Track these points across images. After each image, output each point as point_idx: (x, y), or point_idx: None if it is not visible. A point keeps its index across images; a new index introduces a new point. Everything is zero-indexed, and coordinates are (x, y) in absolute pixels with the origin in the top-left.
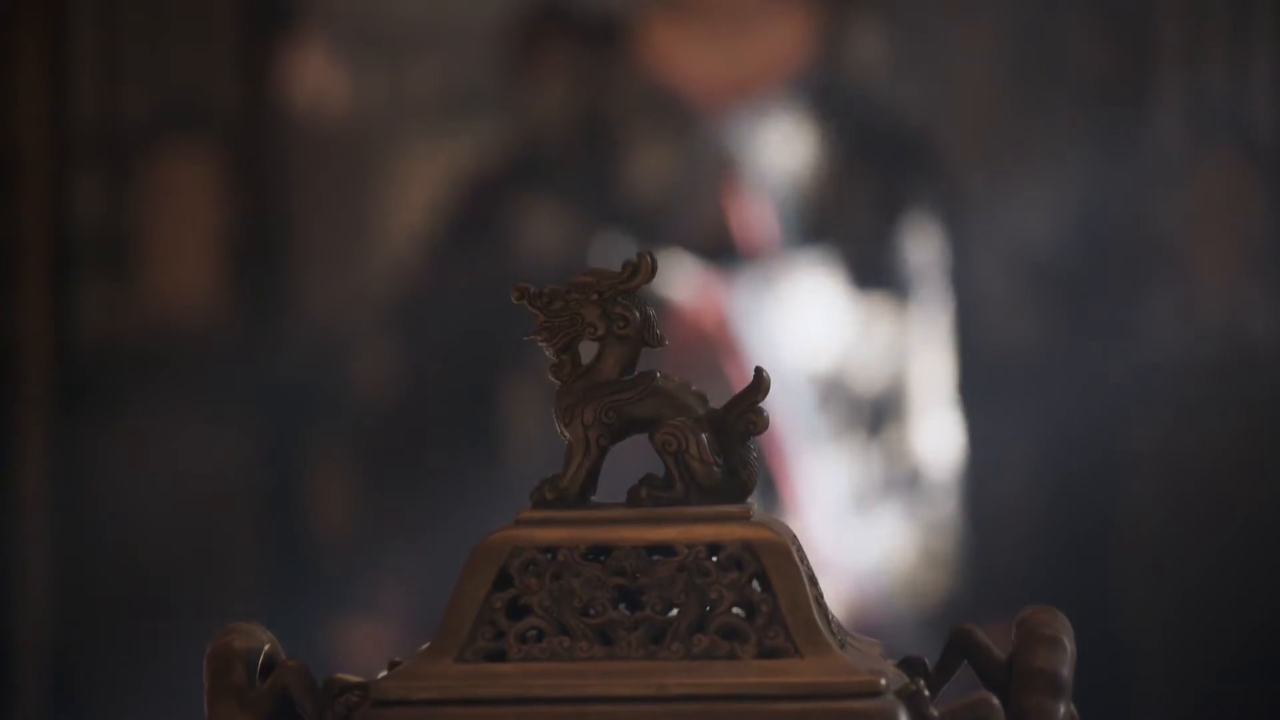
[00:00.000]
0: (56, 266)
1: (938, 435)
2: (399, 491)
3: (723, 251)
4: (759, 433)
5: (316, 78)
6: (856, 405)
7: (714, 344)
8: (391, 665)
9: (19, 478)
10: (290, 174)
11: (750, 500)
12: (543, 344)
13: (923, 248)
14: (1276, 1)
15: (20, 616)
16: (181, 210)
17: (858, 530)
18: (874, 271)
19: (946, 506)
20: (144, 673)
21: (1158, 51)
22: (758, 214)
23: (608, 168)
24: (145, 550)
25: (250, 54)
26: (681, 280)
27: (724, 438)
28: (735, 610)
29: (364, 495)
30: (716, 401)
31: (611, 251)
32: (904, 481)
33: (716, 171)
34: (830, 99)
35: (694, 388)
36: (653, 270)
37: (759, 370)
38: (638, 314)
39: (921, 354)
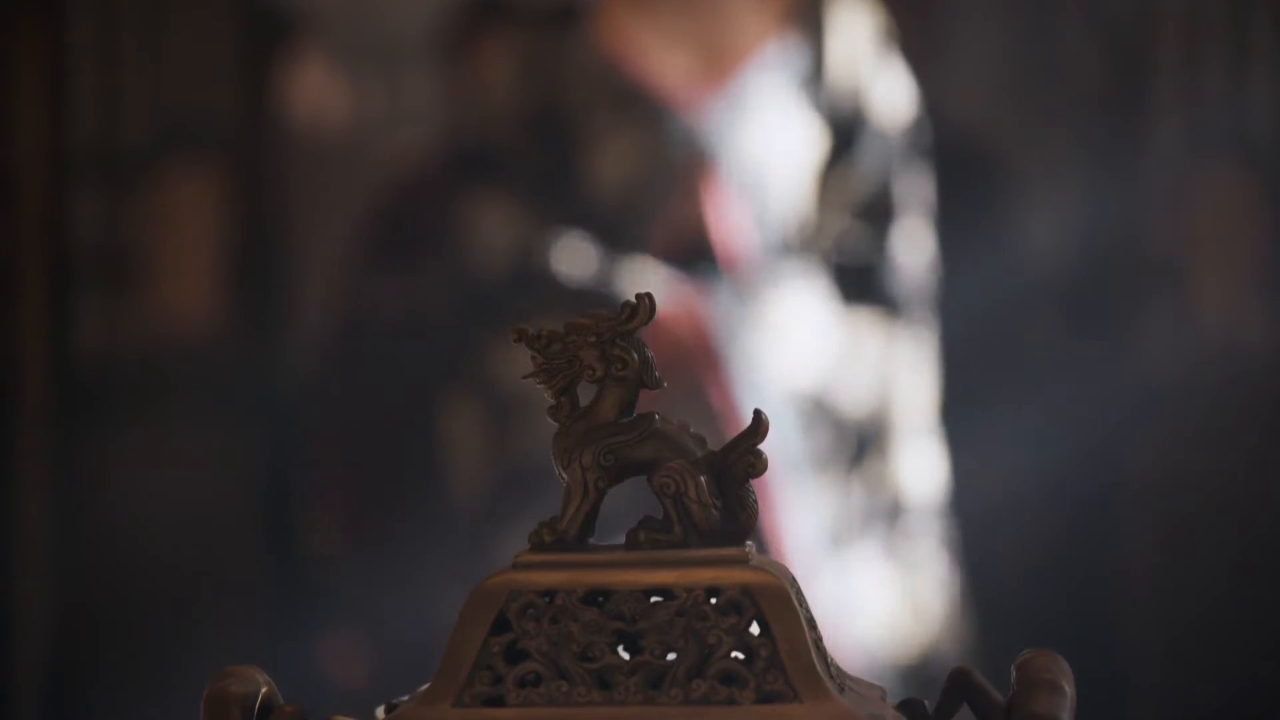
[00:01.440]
0: (56, 283)
1: (925, 463)
2: (366, 511)
3: (698, 259)
4: (758, 475)
5: (315, 93)
6: (841, 430)
7: (693, 360)
8: (389, 707)
9: (18, 494)
10: (289, 189)
11: (749, 543)
12: (541, 386)
13: (914, 259)
14: (1275, 16)
15: (18, 634)
16: (180, 227)
17: (839, 566)
18: (861, 283)
19: (934, 540)
20: (143, 693)
21: (1157, 65)
22: (735, 217)
23: (566, 164)
24: (145, 567)
25: (248, 70)
26: (653, 289)
27: (723, 480)
28: (734, 655)
29: (347, 514)
30: (699, 421)
31: (573, 256)
32: (887, 514)
33: (690, 169)
34: (815, 88)
35: (692, 429)
36: (651, 312)
37: (758, 413)
38: (636, 356)
39: (910, 375)
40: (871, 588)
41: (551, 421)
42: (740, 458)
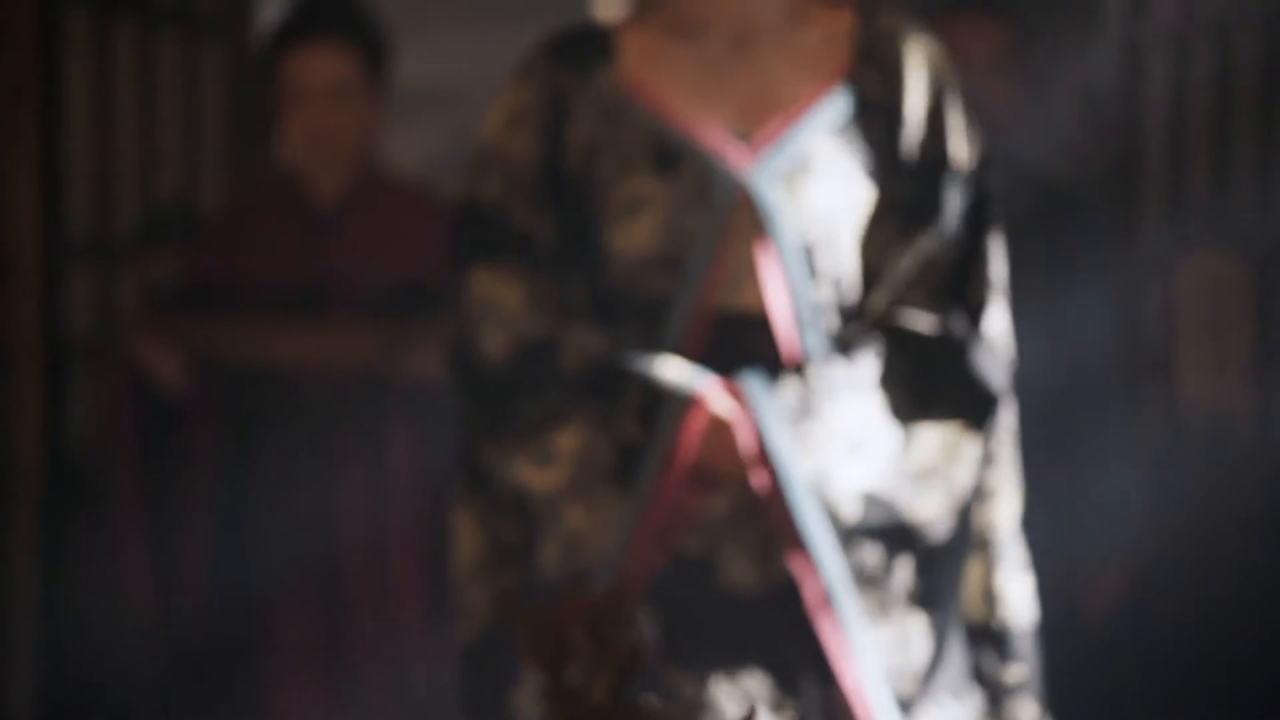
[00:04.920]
0: (49, 366)
1: None
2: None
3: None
4: None
5: None
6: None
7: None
8: None
9: (7, 574)
10: None
11: None
12: (531, 665)
13: None
14: (1255, 110)
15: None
16: None
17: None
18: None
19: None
20: None
21: (1145, 161)
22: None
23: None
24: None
25: (239, 153)
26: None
27: None
28: None
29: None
30: None
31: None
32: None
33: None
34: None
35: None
36: (639, 595)
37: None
38: (628, 639)
39: None
40: None
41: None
42: None
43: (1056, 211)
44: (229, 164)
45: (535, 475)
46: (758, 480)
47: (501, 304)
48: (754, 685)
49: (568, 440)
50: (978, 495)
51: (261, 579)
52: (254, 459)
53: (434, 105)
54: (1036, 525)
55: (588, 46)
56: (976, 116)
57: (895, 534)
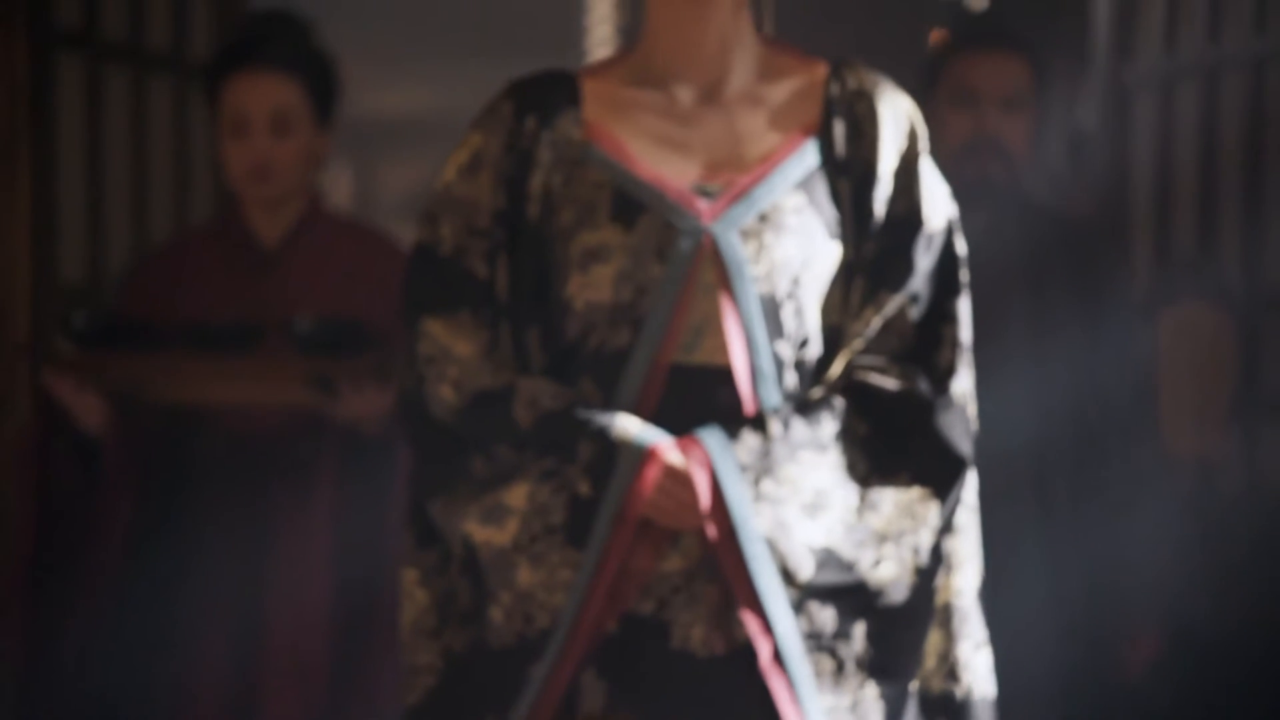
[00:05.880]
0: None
1: None
2: None
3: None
4: None
5: None
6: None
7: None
8: None
9: None
10: None
11: None
12: None
13: None
14: (1241, 165)
15: None
16: None
17: None
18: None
19: None
20: None
21: (1132, 209)
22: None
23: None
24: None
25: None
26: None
27: None
28: None
29: None
30: None
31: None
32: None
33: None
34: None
35: None
36: None
37: None
38: None
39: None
40: None
41: None
42: None
43: (1080, 247)
44: (219, 209)
45: (485, 532)
46: (713, 536)
47: (454, 355)
48: None
49: (518, 496)
50: (939, 563)
51: (175, 645)
52: (174, 513)
53: (419, 137)
54: (1058, 578)
55: (551, 93)
56: (994, 153)
57: (852, 596)
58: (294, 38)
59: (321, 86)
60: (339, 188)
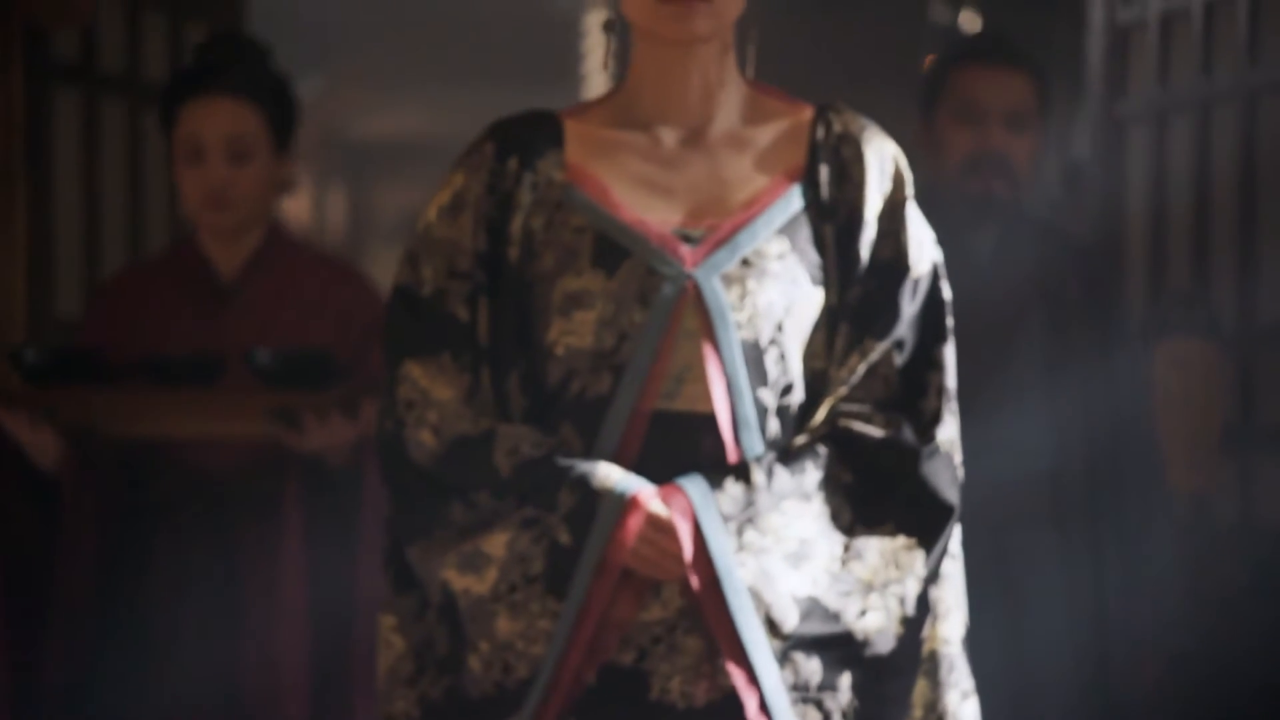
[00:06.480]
0: None
1: None
2: None
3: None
4: None
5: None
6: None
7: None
8: None
9: None
10: None
11: None
12: None
13: None
14: (1234, 197)
15: None
16: None
17: None
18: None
19: None
20: None
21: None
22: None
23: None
24: None
25: None
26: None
27: None
28: None
29: None
30: None
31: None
32: None
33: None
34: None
35: None
36: None
37: None
38: None
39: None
40: None
41: None
42: None
43: (1090, 268)
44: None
45: (464, 580)
46: (696, 586)
47: (434, 400)
48: None
49: (498, 544)
50: (926, 612)
51: (146, 686)
52: (138, 550)
53: (415, 160)
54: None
55: (534, 134)
56: (998, 170)
57: (838, 646)
58: (251, 62)
59: (280, 112)
60: (335, 210)
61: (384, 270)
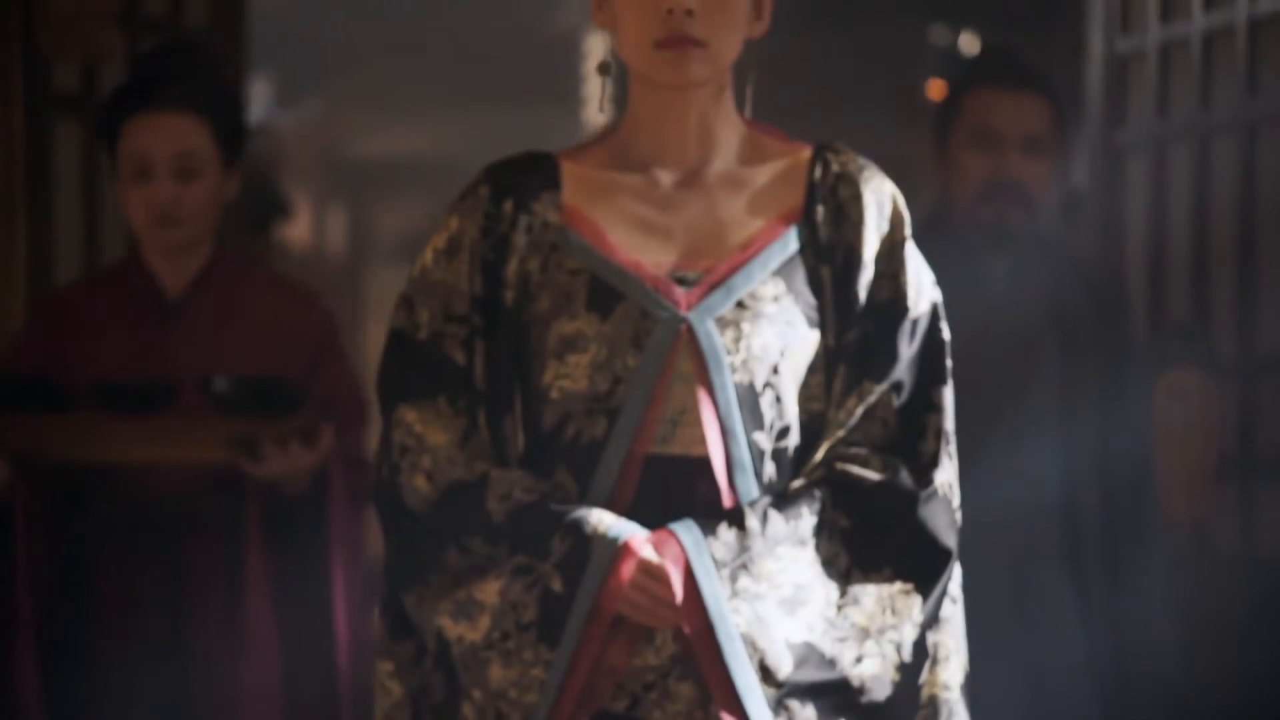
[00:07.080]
0: None
1: None
2: None
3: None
4: None
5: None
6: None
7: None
8: None
9: None
10: None
11: None
12: None
13: None
14: (1233, 228)
15: None
16: None
17: None
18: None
19: None
20: None
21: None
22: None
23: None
24: None
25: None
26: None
27: None
28: None
29: None
30: None
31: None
32: None
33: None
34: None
35: None
36: None
37: None
38: None
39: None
40: None
41: None
42: None
43: (1105, 295)
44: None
45: (457, 628)
46: (689, 633)
47: (429, 445)
48: None
49: (490, 592)
50: (923, 659)
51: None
52: (89, 577)
53: (414, 181)
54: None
55: (529, 176)
56: (1014, 197)
57: (833, 694)
58: (198, 75)
59: (229, 126)
60: (335, 231)
61: (384, 290)
